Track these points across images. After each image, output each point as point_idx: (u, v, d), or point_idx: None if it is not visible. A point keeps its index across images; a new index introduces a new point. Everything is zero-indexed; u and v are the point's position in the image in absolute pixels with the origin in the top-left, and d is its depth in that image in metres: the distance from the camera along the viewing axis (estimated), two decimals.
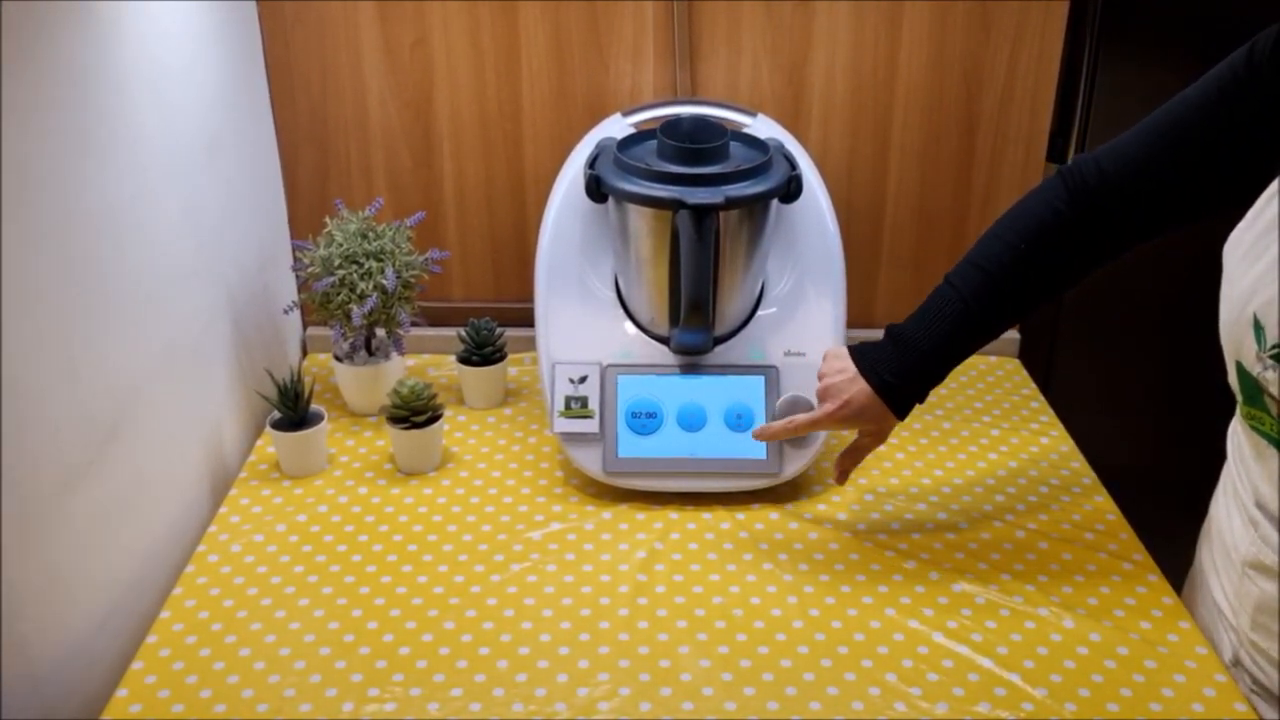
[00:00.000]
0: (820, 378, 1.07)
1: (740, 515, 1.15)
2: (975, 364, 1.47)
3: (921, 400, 1.04)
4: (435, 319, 1.41)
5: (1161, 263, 1.34)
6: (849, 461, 1.11)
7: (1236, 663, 0.96)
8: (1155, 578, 1.06)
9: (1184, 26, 1.42)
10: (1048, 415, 1.34)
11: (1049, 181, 1.00)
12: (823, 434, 1.17)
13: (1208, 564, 1.01)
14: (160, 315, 1.07)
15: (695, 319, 1.11)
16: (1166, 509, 1.36)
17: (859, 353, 1.04)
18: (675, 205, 1.09)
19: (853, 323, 1.46)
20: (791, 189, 1.14)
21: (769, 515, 1.15)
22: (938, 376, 1.03)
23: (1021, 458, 1.26)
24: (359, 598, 1.03)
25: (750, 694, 0.92)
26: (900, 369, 1.01)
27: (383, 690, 0.92)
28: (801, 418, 1.07)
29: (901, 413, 1.03)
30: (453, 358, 1.36)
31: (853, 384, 1.03)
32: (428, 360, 1.45)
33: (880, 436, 1.09)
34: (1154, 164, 0.93)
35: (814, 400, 1.16)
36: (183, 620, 1.00)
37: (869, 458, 1.25)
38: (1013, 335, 1.49)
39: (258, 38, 1.33)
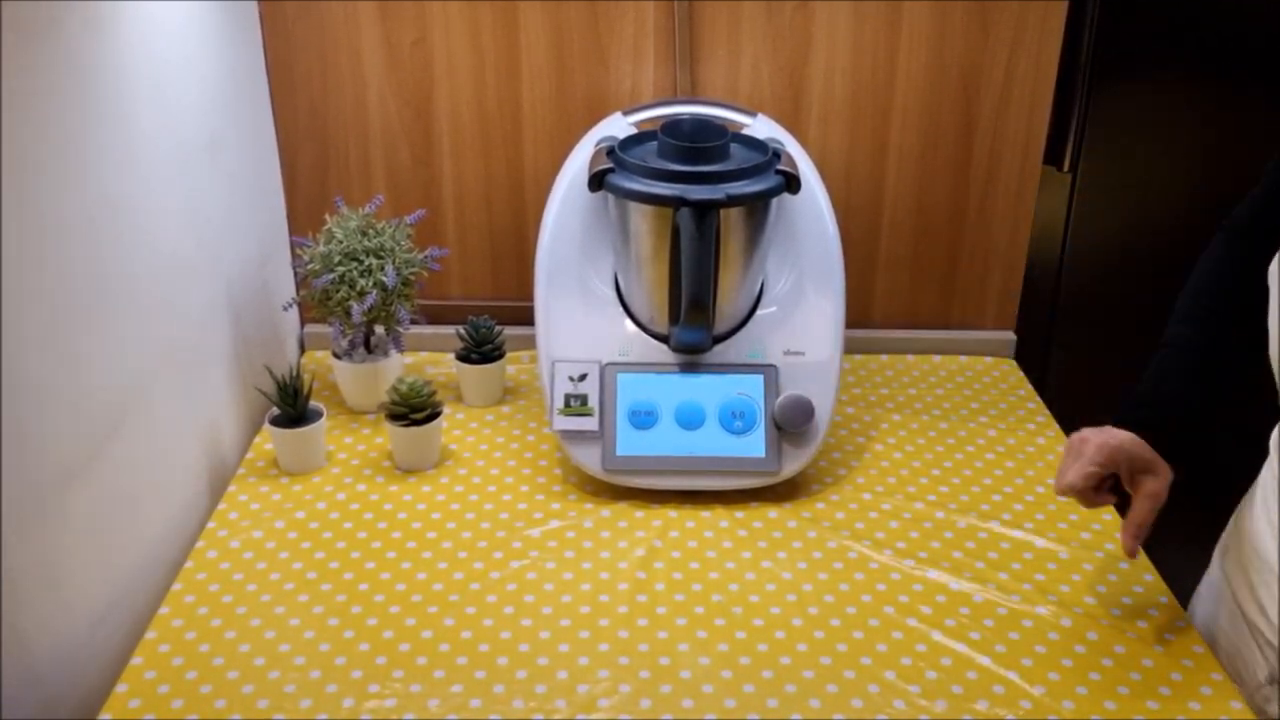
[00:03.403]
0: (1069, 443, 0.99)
1: (739, 514, 1.15)
2: (971, 365, 1.47)
3: (1179, 447, 0.96)
4: (434, 317, 1.41)
5: (1156, 263, 1.35)
6: (1132, 535, 0.96)
7: (1272, 681, 0.94)
8: (1152, 577, 1.07)
9: (1182, 30, 1.43)
10: (1044, 415, 1.35)
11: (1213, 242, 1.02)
12: (821, 434, 1.18)
13: (1236, 578, 0.99)
14: (161, 312, 1.07)
15: (695, 317, 1.11)
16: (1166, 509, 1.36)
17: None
18: (677, 202, 1.09)
19: (851, 322, 1.47)
20: (792, 186, 1.14)
21: (768, 513, 1.16)
22: (1183, 420, 0.97)
23: (1018, 457, 1.27)
24: (358, 594, 1.03)
25: (750, 691, 0.93)
26: (1143, 408, 0.98)
27: (383, 686, 0.92)
28: (1132, 519, 0.95)
29: (1164, 447, 0.96)
30: (451, 355, 1.36)
31: (1104, 432, 0.97)
32: (426, 358, 1.45)
33: (1157, 493, 0.95)
34: None
35: (812, 399, 1.17)
36: (182, 616, 1.00)
37: (866, 456, 1.26)
38: (1008, 336, 1.50)
39: (258, 35, 1.33)
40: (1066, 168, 1.47)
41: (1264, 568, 0.95)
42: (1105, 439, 0.96)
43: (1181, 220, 1.50)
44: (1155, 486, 0.95)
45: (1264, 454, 0.99)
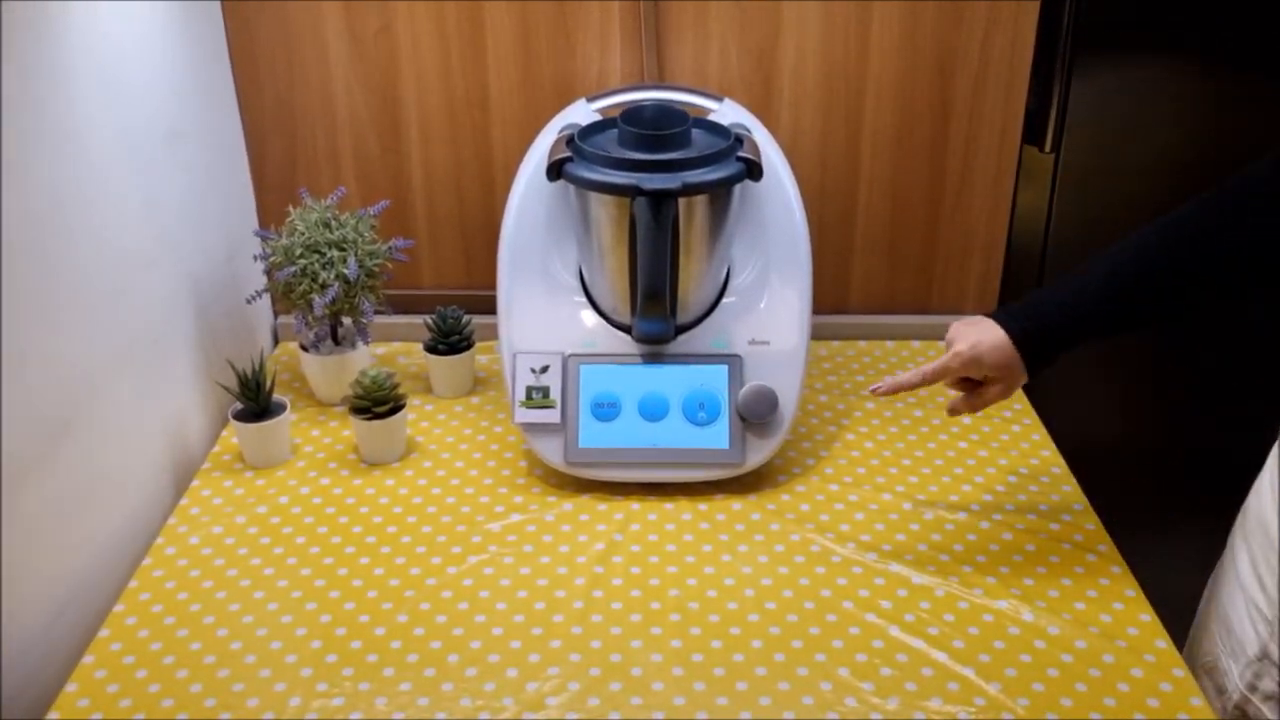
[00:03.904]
0: (949, 332, 1.03)
1: (702, 506, 1.14)
2: None
3: (1050, 362, 0.98)
4: (406, 306, 1.40)
5: None
6: (966, 405, 1.03)
7: (1263, 657, 0.93)
8: (1119, 569, 1.05)
9: (1163, 5, 1.39)
10: (1020, 403, 1.33)
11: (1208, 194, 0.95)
12: (785, 425, 1.16)
13: (1239, 550, 0.98)
14: (117, 307, 1.07)
15: (652, 308, 1.10)
16: (1140, 495, 1.35)
17: (993, 313, 1.00)
18: (633, 191, 1.07)
19: (826, 309, 1.46)
20: (753, 173, 1.12)
21: (731, 505, 1.14)
22: (1071, 339, 0.97)
23: (991, 446, 1.24)
24: (313, 590, 1.03)
25: (700, 689, 0.92)
26: (1033, 317, 0.97)
27: (331, 685, 0.92)
28: (928, 366, 1.00)
29: (1030, 362, 0.97)
30: (421, 346, 1.36)
31: (981, 325, 0.99)
32: (398, 348, 1.45)
33: (1007, 390, 1.00)
34: None
35: (777, 391, 1.15)
36: (136, 614, 1.00)
37: (835, 446, 1.24)
38: None
39: (221, 27, 1.32)
40: (1048, 148, 1.43)
41: (1266, 541, 0.94)
42: (971, 350, 0.98)
43: (1168, 201, 1.46)
44: (997, 393, 1.01)
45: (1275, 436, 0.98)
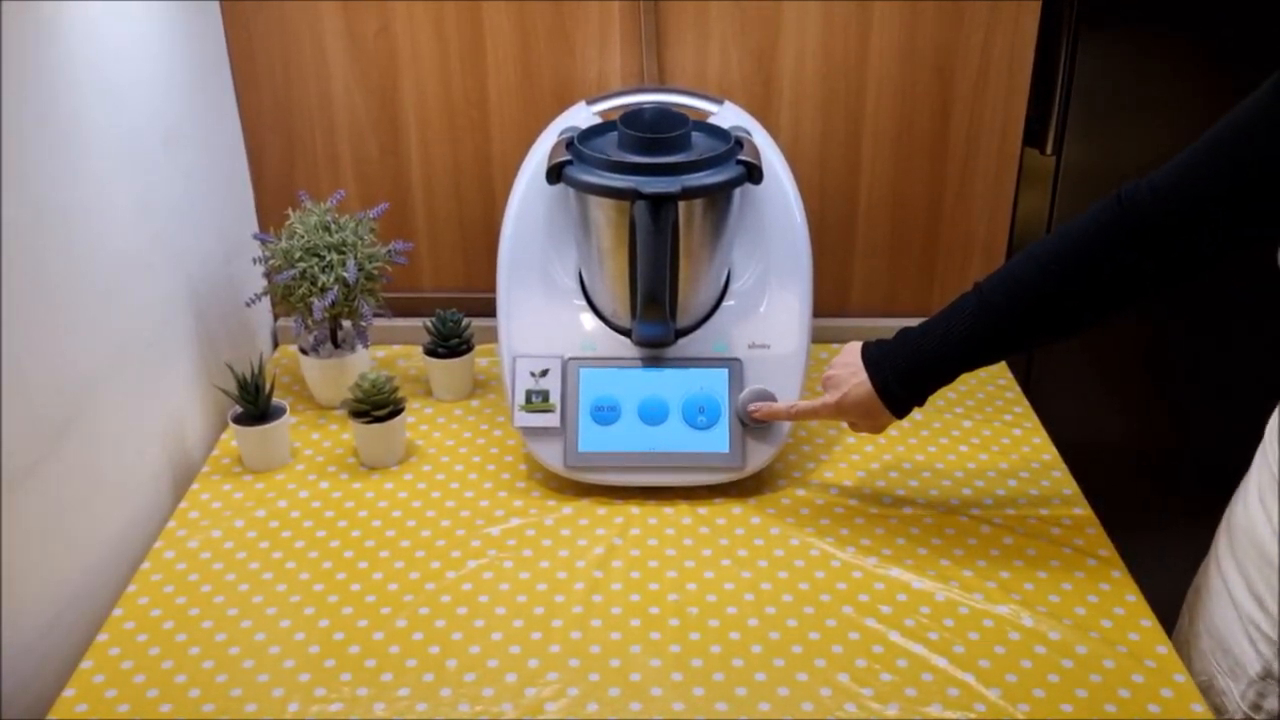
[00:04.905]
0: (828, 368, 1.08)
1: (702, 510, 1.14)
2: None
3: (921, 403, 1.03)
4: (406, 309, 1.40)
5: None
6: (810, 415, 1.11)
7: (1267, 676, 0.92)
8: (1120, 574, 1.05)
9: (1164, 6, 1.39)
10: (1021, 406, 1.32)
11: (1103, 201, 0.93)
12: (786, 427, 1.16)
13: (1230, 570, 0.98)
14: (115, 309, 1.07)
15: (652, 311, 1.10)
16: (1140, 496, 1.34)
17: (869, 349, 1.04)
18: (632, 195, 1.07)
19: (827, 311, 1.46)
20: (753, 176, 1.12)
21: (731, 510, 1.14)
22: (942, 380, 1.01)
23: (993, 450, 1.24)
24: (312, 595, 1.02)
25: (699, 695, 0.91)
26: (904, 369, 1.01)
27: (329, 690, 0.92)
28: (802, 404, 1.10)
29: (899, 412, 1.03)
30: (421, 349, 1.35)
31: (854, 378, 1.04)
32: (398, 351, 1.44)
33: (875, 430, 1.09)
34: (1207, 176, 0.86)
35: (777, 394, 1.15)
36: (135, 618, 0.99)
37: (836, 450, 1.24)
38: None
39: (220, 28, 1.32)
40: (1049, 150, 1.43)
41: (1262, 561, 0.93)
42: (837, 405, 1.05)
43: None
44: (865, 428, 1.09)
45: (1258, 443, 0.97)
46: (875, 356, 1.03)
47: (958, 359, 1.00)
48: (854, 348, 1.06)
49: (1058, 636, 0.97)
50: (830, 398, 1.06)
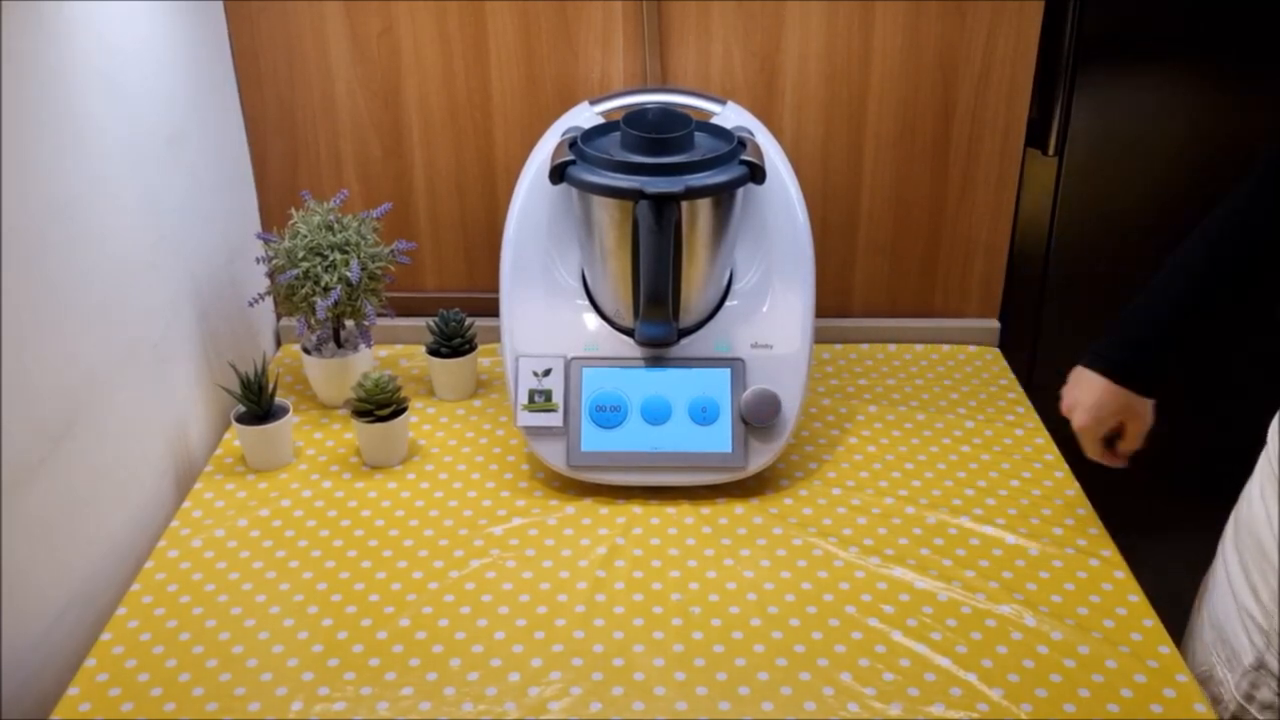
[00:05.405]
0: (1064, 398, 1.05)
1: (705, 510, 1.14)
2: (954, 354, 1.45)
3: (1159, 371, 0.99)
4: (409, 309, 1.40)
5: (1146, 248, 1.32)
6: (1119, 458, 1.06)
7: (1259, 666, 0.93)
8: (1122, 574, 1.05)
9: (1167, 8, 1.39)
10: (1024, 406, 1.33)
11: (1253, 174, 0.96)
12: (788, 428, 1.16)
13: (1231, 561, 0.98)
14: (117, 309, 1.07)
15: (655, 311, 1.10)
16: (1140, 496, 1.34)
17: (1083, 359, 1.03)
18: (635, 195, 1.07)
19: (830, 311, 1.46)
20: (756, 176, 1.12)
21: (734, 510, 1.14)
22: (1161, 330, 0.99)
23: (995, 450, 1.24)
24: (315, 594, 1.02)
25: (702, 694, 0.91)
26: (1121, 343, 0.99)
27: (333, 689, 0.92)
28: (1086, 446, 1.05)
29: (1140, 385, 0.99)
30: (424, 349, 1.35)
31: (1081, 383, 1.02)
32: (401, 351, 1.44)
33: (1143, 419, 1.02)
34: None
35: (780, 394, 1.15)
36: (138, 617, 1.00)
37: (838, 450, 1.24)
38: (992, 324, 1.47)
39: (223, 27, 1.32)
40: (1052, 151, 1.43)
41: (1259, 555, 0.94)
42: (1092, 417, 1.00)
43: (1171, 204, 1.46)
44: (1136, 430, 1.02)
45: (1264, 441, 0.97)
46: (1091, 352, 1.02)
47: (1172, 319, 0.98)
48: (1076, 372, 1.04)
49: (1060, 636, 0.97)
50: (1078, 419, 1.02)
